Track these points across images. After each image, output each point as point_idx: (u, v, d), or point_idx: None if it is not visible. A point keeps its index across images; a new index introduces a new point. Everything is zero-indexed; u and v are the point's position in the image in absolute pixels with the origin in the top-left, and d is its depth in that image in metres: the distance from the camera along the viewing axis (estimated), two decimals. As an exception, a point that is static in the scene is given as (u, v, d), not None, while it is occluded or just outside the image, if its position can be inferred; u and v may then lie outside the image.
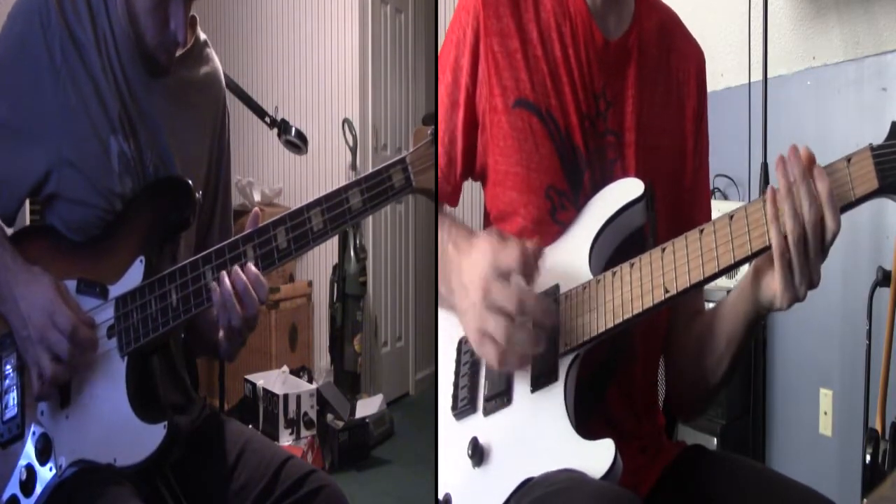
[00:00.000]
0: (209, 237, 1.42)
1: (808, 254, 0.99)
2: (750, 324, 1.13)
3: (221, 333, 1.21)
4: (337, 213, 1.14)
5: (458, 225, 1.17)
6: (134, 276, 1.20)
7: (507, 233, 1.22)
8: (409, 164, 1.13)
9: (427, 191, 1.15)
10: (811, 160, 1.01)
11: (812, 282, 1.01)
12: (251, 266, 1.13)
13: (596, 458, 1.01)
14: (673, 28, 1.31)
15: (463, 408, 1.15)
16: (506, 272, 1.03)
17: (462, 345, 1.20)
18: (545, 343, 1.06)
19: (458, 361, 1.18)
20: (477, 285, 1.04)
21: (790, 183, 0.99)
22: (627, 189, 1.15)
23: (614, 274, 1.10)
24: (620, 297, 1.08)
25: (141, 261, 1.20)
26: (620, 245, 1.16)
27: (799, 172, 0.99)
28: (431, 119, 1.23)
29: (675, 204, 1.26)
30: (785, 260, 0.99)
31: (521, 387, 1.11)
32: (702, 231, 1.06)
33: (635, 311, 1.07)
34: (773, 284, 1.03)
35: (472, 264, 1.07)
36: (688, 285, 1.05)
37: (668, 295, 1.06)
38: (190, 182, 1.24)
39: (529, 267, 1.04)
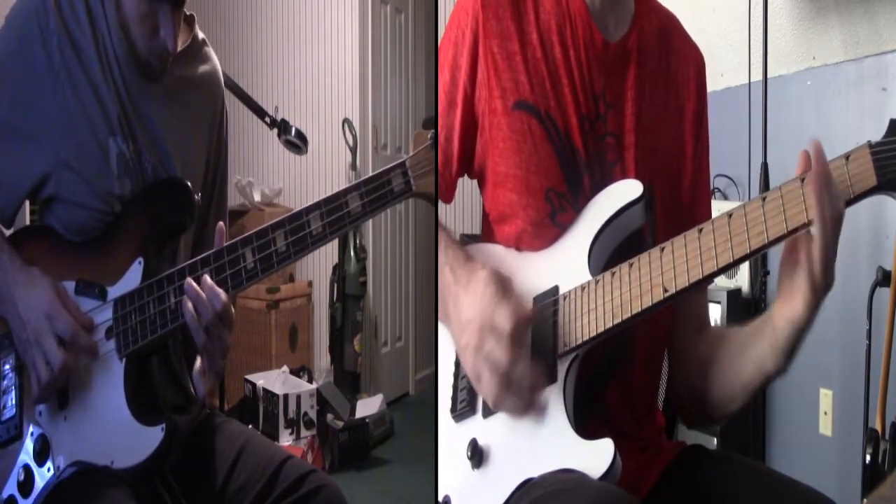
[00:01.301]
0: (205, 235, 1.41)
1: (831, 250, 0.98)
2: (767, 376, 1.11)
3: (197, 365, 1.19)
4: (336, 217, 1.13)
5: (456, 246, 1.17)
6: (132, 277, 1.20)
7: (507, 234, 1.22)
8: (408, 167, 1.13)
9: (427, 195, 1.15)
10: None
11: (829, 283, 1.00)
12: (206, 279, 1.12)
13: (595, 458, 1.01)
14: (672, 30, 1.31)
15: (462, 410, 1.15)
16: (500, 333, 1.04)
17: None
18: (534, 406, 1.07)
19: (457, 364, 1.18)
20: (473, 329, 1.06)
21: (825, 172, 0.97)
22: (626, 190, 1.15)
23: (613, 274, 1.10)
24: (619, 298, 1.08)
25: (140, 262, 1.20)
26: (619, 246, 1.16)
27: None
28: (431, 123, 1.23)
29: (676, 206, 1.26)
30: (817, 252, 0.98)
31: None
32: (700, 230, 1.05)
33: (634, 311, 1.07)
34: (794, 300, 1.02)
35: (471, 305, 1.08)
36: (687, 284, 1.05)
37: (667, 294, 1.06)
38: (189, 184, 1.24)
39: (521, 333, 1.05)
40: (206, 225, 1.42)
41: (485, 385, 1.06)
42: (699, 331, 1.27)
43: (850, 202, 0.98)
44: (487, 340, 1.05)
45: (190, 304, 1.12)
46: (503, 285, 1.09)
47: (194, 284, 1.13)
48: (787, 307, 1.03)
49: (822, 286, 1.00)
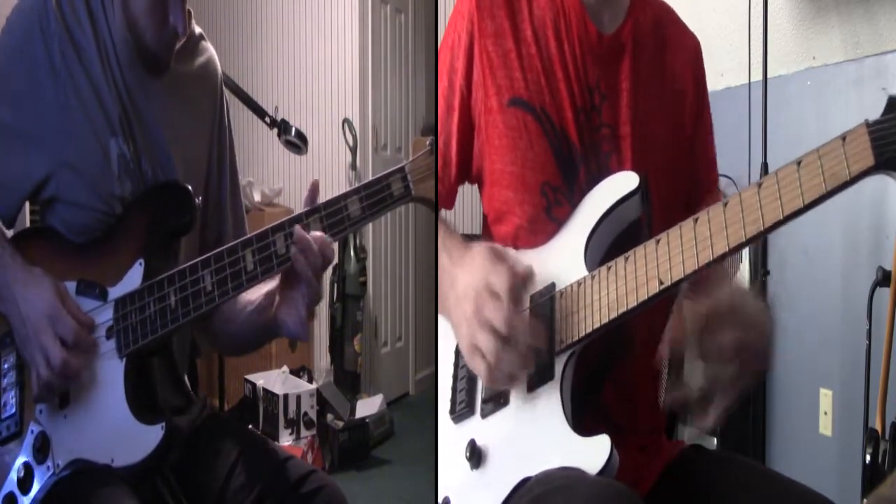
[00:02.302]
0: (222, 231, 1.41)
1: None
2: None
3: (283, 307, 1.19)
4: (336, 221, 1.15)
5: (453, 234, 1.19)
6: (133, 278, 1.20)
7: (504, 233, 1.23)
8: (408, 172, 1.14)
9: (426, 200, 1.16)
10: None
11: None
12: (315, 232, 1.14)
13: (592, 453, 1.01)
14: (668, 22, 1.32)
15: (461, 411, 1.16)
16: (496, 292, 1.05)
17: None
18: (533, 364, 1.07)
19: (455, 365, 1.19)
20: (470, 299, 1.07)
21: None
22: (622, 183, 1.15)
23: (609, 269, 1.10)
24: (615, 292, 1.08)
25: (140, 263, 1.20)
26: (616, 239, 1.16)
27: None
28: (430, 130, 1.25)
29: (674, 195, 1.26)
30: None
31: (517, 387, 1.11)
32: (696, 220, 1.05)
33: (630, 305, 1.07)
34: None
35: (465, 277, 1.09)
36: (682, 275, 1.04)
37: (662, 286, 1.05)
38: (189, 187, 1.24)
39: (518, 290, 1.06)
40: (221, 219, 1.42)
41: (483, 350, 1.05)
42: None
43: (847, 183, 0.97)
44: (485, 305, 1.05)
45: (299, 253, 1.12)
46: (496, 252, 1.10)
47: (305, 234, 1.13)
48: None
49: None
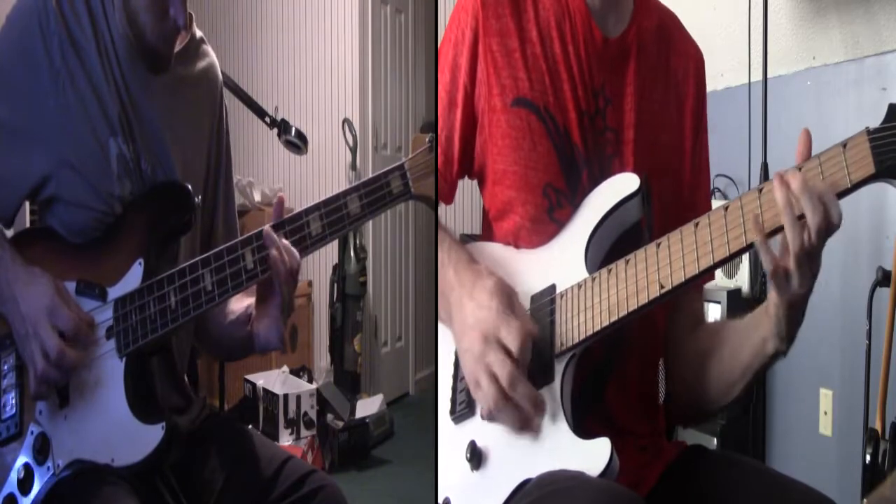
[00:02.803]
0: (213, 236, 1.42)
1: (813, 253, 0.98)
2: (767, 359, 1.12)
3: (258, 321, 1.22)
4: (335, 219, 1.15)
5: (458, 247, 1.18)
6: (133, 278, 1.20)
7: (506, 230, 1.23)
8: (407, 170, 1.15)
9: (426, 197, 1.16)
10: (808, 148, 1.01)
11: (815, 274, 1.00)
12: (283, 240, 1.14)
13: (592, 456, 1.01)
14: (671, 28, 1.32)
15: (461, 412, 1.15)
16: (506, 347, 1.05)
17: None
18: (530, 426, 1.07)
19: (456, 365, 1.18)
20: (476, 336, 1.06)
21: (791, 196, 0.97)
22: (623, 184, 1.15)
23: (609, 271, 1.10)
24: (616, 295, 1.08)
25: (140, 263, 1.20)
26: (617, 241, 1.16)
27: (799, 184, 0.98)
28: (430, 127, 1.25)
29: (675, 201, 1.26)
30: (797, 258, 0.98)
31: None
32: (696, 224, 1.05)
33: (631, 309, 1.07)
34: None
35: (473, 311, 1.09)
36: (683, 280, 1.04)
37: (663, 290, 1.05)
38: (189, 186, 1.24)
39: (525, 352, 1.06)
40: (212, 225, 1.42)
41: (483, 393, 1.07)
42: (694, 328, 1.27)
43: (848, 191, 0.97)
44: (489, 351, 1.05)
45: (275, 253, 1.13)
46: (509, 299, 1.09)
47: (275, 237, 1.13)
48: (771, 293, 1.05)
49: (796, 277, 1.00)
